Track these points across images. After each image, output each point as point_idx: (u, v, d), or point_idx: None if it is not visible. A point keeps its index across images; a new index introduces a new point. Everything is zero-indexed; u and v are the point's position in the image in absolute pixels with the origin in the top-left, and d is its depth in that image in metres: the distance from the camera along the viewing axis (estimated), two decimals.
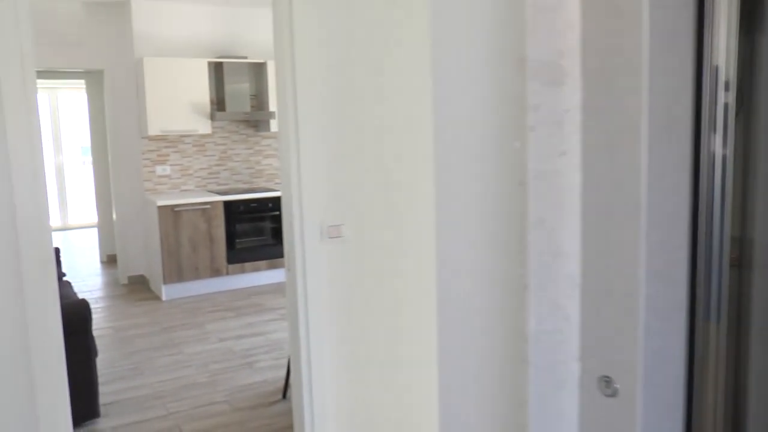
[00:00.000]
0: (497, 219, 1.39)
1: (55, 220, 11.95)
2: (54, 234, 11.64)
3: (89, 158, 9.36)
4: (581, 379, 1.31)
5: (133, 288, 7.37)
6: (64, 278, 5.56)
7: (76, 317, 3.88)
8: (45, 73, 8.33)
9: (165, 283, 6.70)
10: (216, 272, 6.92)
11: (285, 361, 4.86)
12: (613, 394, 1.21)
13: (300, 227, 2.78)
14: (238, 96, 7.27)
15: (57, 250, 5.66)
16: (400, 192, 3.01)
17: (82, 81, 8.73)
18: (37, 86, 2.58)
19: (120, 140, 7.39)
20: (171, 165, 7.25)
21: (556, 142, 1.26)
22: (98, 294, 7.18)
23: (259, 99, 7.56)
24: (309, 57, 2.78)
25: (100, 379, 4.66)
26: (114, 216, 7.66)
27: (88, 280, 7.87)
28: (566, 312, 1.30)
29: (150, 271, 7.23)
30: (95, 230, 9.11)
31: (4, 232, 2.42)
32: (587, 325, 1.29)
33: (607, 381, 1.24)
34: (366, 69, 2.90)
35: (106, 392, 4.43)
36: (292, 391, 3.05)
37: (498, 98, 1.36)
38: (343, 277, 2.89)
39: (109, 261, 8.73)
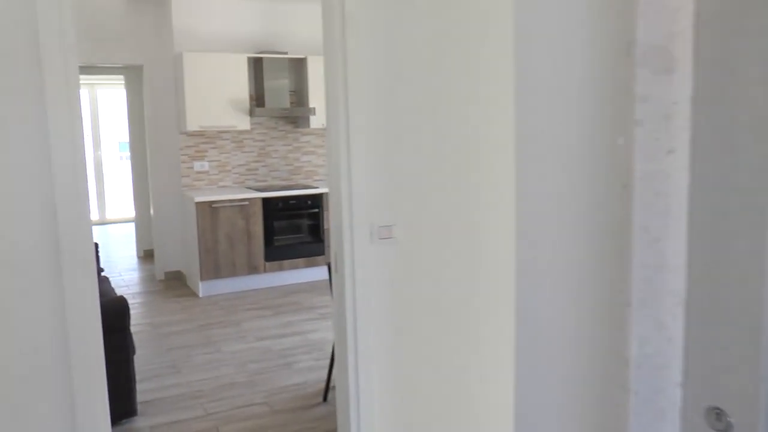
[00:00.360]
0: (592, 226, 1.24)
1: (93, 215, 12.02)
2: (92, 228, 11.61)
3: (127, 154, 9.36)
4: (684, 409, 1.16)
5: (170, 284, 7.33)
6: (102, 273, 5.52)
7: (114, 314, 3.81)
8: (84, 69, 8.32)
9: (202, 279, 6.64)
10: (253, 269, 6.84)
11: (325, 363, 4.75)
12: (726, 429, 1.06)
13: (349, 227, 2.65)
14: (278, 92, 7.18)
15: (95, 246, 5.63)
16: (465, 192, 2.87)
17: (121, 76, 8.72)
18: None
19: (158, 136, 7.35)
20: (209, 161, 7.19)
21: (663, 138, 1.11)
22: (135, 289, 7.16)
23: (299, 95, 7.47)
24: (361, 47, 2.65)
25: (137, 377, 4.59)
26: (151, 211, 7.63)
27: (125, 275, 7.86)
28: (669, 333, 1.15)
29: (187, 268, 7.18)
30: (133, 225, 9.10)
31: (45, 231, 2.33)
32: (693, 347, 1.14)
33: (718, 413, 1.09)
34: (428, 59, 2.76)
35: (143, 390, 4.36)
36: (337, 397, 2.93)
37: (598, 88, 1.21)
38: (394, 281, 2.75)
39: (146, 256, 8.72)
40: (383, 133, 2.71)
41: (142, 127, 8.21)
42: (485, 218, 2.89)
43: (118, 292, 6.80)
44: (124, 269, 8.17)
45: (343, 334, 2.75)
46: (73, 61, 2.35)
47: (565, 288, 1.23)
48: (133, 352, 3.98)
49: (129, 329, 3.91)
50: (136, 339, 5.42)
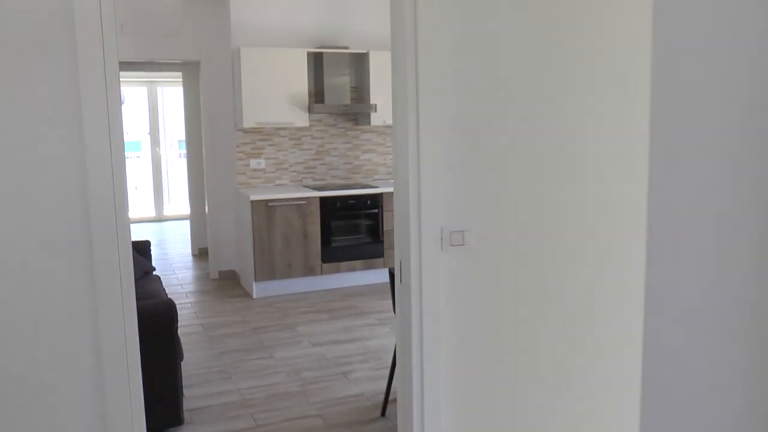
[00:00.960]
0: (755, 245, 0.91)
1: (149, 212, 12.03)
2: (148, 226, 11.79)
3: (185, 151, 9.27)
4: None
5: (224, 283, 7.16)
6: (154, 272, 5.35)
7: (161, 318, 3.59)
8: (142, 65, 8.26)
9: (256, 280, 6.44)
10: (309, 271, 6.61)
11: (383, 373, 4.46)
12: None
13: (417, 232, 2.35)
14: (338, 88, 6.93)
15: (147, 244, 5.46)
16: (553, 195, 2.54)
17: (179, 73, 8.62)
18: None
19: (214, 132, 7.19)
20: (266, 158, 6.99)
21: None
22: (188, 288, 7.00)
23: (360, 91, 7.21)
24: (434, 39, 2.34)
25: (186, 382, 4.39)
26: (206, 209, 7.48)
27: (179, 273, 7.73)
28: None
29: (241, 267, 6.99)
30: (188, 222, 9.00)
31: (79, 230, 2.10)
32: None
33: None
34: (513, 51, 2.44)
35: (191, 396, 4.15)
36: (399, 414, 2.63)
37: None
38: (466, 293, 2.44)
39: (201, 254, 8.59)
40: (458, 131, 2.40)
41: (199, 124, 8.08)
42: (583, 226, 2.55)
43: (171, 291, 6.67)
44: (178, 267, 8.04)
45: (408, 350, 2.45)
46: (112, 52, 2.14)
47: (715, 325, 0.92)
48: (181, 358, 3.76)
49: (176, 334, 3.69)
50: (187, 341, 5.23)
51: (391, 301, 3.86)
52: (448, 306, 2.41)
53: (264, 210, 6.34)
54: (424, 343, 2.39)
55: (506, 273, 2.48)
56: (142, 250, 5.34)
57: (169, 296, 4.13)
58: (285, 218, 6.43)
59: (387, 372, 4.51)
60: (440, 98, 2.36)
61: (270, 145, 7.00)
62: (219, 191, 7.27)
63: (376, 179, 7.49)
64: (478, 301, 2.46)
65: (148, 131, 11.82)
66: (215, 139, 7.20)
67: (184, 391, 4.21)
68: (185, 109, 8.56)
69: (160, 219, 12.06)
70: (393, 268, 2.74)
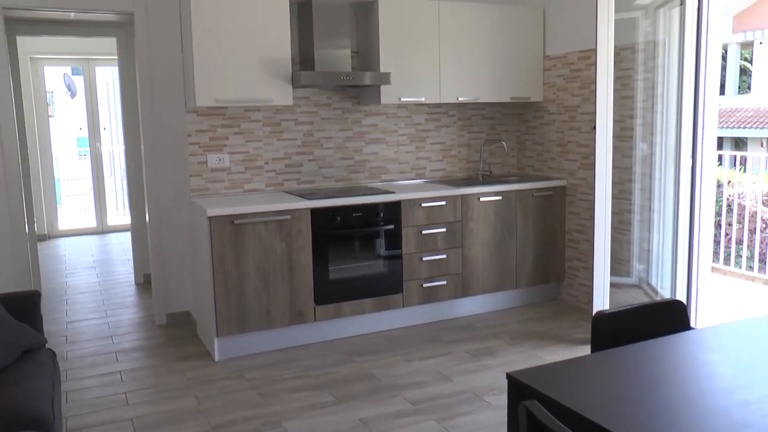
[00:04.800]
0: None
1: (91, 222, 9.79)
2: (87, 240, 9.56)
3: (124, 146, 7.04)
4: None
5: (173, 334, 5.00)
6: (46, 346, 3.19)
7: None
8: (66, 27, 6.09)
9: (219, 335, 4.31)
10: (298, 317, 4.50)
11: None
12: None
13: None
14: (334, 51, 4.82)
15: (33, 298, 3.29)
16: None
17: (113, 39, 6.43)
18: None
19: (156, 116, 5.02)
20: (230, 153, 4.85)
21: None
22: (121, 343, 4.83)
23: (365, 56, 5.10)
24: None
25: None
26: (147, 228, 5.31)
27: (112, 315, 5.54)
28: None
29: (198, 311, 4.84)
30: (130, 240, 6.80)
31: None
32: None
33: None
34: None
35: None
36: None
37: None
38: None
39: (147, 283, 6.39)
40: None
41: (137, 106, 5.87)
42: None
43: (93, 351, 4.39)
44: (113, 305, 5.85)
45: None
46: None
47: None
48: None
49: None
50: None
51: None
52: None
53: (229, 230, 4.22)
54: None
55: None
56: (23, 309, 3.18)
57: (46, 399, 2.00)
58: (260, 241, 4.31)
59: None
60: None
61: (236, 133, 4.87)
62: (164, 201, 5.11)
63: (387, 181, 5.40)
64: None
65: (86, 122, 9.56)
66: (157, 126, 5.04)
67: None
68: (121, 88, 6.36)
69: (102, 231, 9.81)
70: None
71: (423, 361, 4.27)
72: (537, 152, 5.67)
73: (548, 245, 5.34)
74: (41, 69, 9.17)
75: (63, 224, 9.68)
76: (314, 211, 4.45)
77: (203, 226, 4.28)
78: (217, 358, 4.38)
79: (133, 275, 6.78)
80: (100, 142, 9.56)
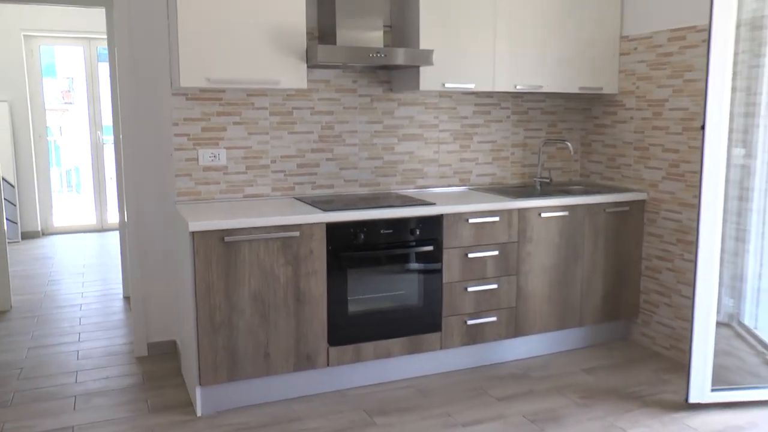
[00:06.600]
0: None
1: (90, 219, 8.88)
2: (84, 238, 8.55)
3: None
4: None
5: (154, 371, 4.02)
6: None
7: None
8: None
9: (202, 383, 3.31)
10: (306, 362, 3.49)
11: None
12: None
13: None
14: (361, 23, 3.79)
15: None
16: None
17: (102, 9, 5.48)
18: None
19: (137, 100, 4.04)
20: (228, 147, 3.86)
21: None
22: (85, 383, 3.86)
23: (400, 30, 4.07)
24: None
25: None
26: (126, 236, 4.34)
27: (86, 341, 4.57)
28: None
29: (183, 345, 3.85)
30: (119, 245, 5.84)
31: None
32: None
33: None
34: None
35: None
36: None
37: None
38: None
39: None
40: None
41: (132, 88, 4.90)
42: None
43: (44, 392, 3.44)
44: (90, 326, 4.89)
45: None
46: None
47: None
48: None
49: None
50: None
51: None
52: None
53: (218, 249, 3.22)
54: None
55: None
56: None
57: None
58: (258, 264, 3.31)
59: None
60: None
61: (236, 123, 3.87)
62: (146, 205, 4.14)
63: (423, 187, 4.38)
64: None
65: (87, 108, 8.65)
66: (139, 113, 4.05)
67: None
68: (110, 69, 5.40)
69: (102, 229, 8.90)
70: None
71: (467, 429, 3.24)
72: (607, 156, 4.60)
73: (621, 274, 4.27)
74: (37, 48, 8.25)
75: (59, 220, 8.78)
76: (331, 227, 3.44)
77: (185, 243, 3.29)
78: (199, 413, 3.39)
79: (121, 286, 5.83)
80: (101, 131, 8.63)
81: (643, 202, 4.27)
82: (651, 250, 4.26)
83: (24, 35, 8.03)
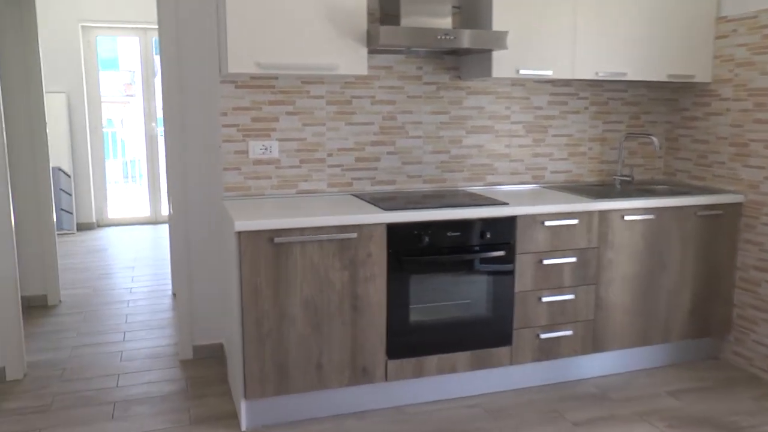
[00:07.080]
0: None
1: (145, 211, 8.77)
2: (138, 230, 8.46)
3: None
4: None
5: (199, 376, 3.76)
6: None
7: None
8: None
9: (248, 396, 3.02)
10: (362, 375, 3.17)
11: None
12: None
13: None
14: (425, 2, 3.44)
15: None
16: None
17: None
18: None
19: (183, 89, 3.78)
20: (280, 139, 3.56)
21: None
22: (126, 388, 3.62)
23: (470, 11, 3.71)
24: None
25: None
26: (168, 235, 4.09)
27: (131, 341, 4.35)
28: None
29: (230, 350, 3.57)
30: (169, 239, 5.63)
31: None
32: None
33: None
34: None
35: None
36: None
37: None
38: None
39: None
40: None
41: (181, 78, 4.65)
42: None
43: (84, 396, 3.25)
44: (137, 324, 4.68)
45: None
46: None
47: None
48: None
49: None
50: None
51: None
52: None
53: (266, 251, 2.91)
54: None
55: None
56: None
57: None
58: (312, 268, 3.00)
59: None
60: None
61: (290, 113, 3.56)
62: (193, 200, 3.88)
63: (493, 184, 4.01)
64: None
65: (142, 101, 8.53)
66: (186, 102, 3.79)
67: None
68: (159, 54, 5.17)
69: (155, 221, 8.78)
70: None
71: None
72: (698, 153, 4.14)
73: (712, 285, 3.82)
74: (93, 39, 8.15)
75: (114, 212, 8.70)
76: (392, 227, 3.10)
77: (231, 243, 3.00)
78: (244, 427, 3.10)
79: (170, 282, 5.62)
80: (155, 122, 8.49)
81: (740, 205, 3.81)
82: (748, 259, 3.80)
83: (81, 26, 7.93)
